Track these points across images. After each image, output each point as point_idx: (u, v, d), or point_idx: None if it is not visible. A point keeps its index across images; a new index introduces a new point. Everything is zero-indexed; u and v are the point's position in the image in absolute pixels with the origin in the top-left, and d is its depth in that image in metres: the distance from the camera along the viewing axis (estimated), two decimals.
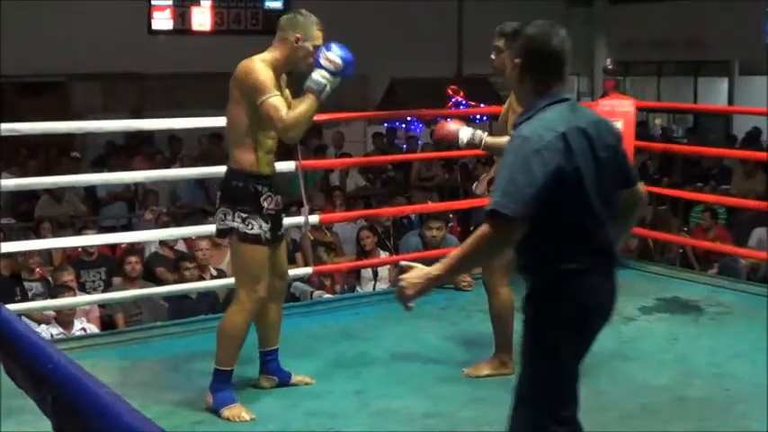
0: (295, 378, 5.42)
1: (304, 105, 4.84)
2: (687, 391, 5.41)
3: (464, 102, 17.77)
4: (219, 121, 5.47)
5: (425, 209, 9.92)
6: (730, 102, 21.64)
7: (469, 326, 6.55)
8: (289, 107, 4.88)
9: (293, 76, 5.13)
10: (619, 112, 7.90)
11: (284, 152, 5.18)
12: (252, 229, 4.93)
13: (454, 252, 3.47)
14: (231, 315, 5.02)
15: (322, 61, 4.85)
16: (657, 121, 22.57)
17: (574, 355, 3.53)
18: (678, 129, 22.79)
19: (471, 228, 8.54)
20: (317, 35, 4.95)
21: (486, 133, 5.46)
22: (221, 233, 5.07)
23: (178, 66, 17.44)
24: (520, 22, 5.20)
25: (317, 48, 4.92)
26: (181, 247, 10.11)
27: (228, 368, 5.02)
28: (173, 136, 15.20)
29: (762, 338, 6.27)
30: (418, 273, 3.42)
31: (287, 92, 5.10)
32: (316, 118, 5.14)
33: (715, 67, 22.23)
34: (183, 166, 12.90)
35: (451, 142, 5.54)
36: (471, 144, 5.46)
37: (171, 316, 8.03)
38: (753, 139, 17.70)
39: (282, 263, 5.31)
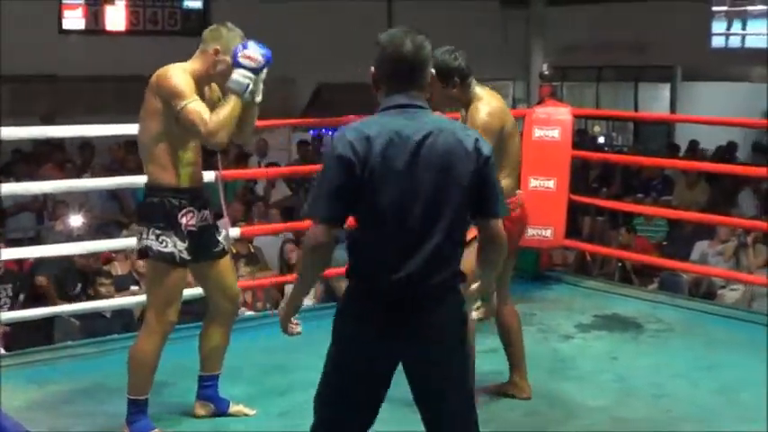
0: (233, 408, 5.33)
1: (227, 107, 4.76)
2: (627, 412, 5.46)
3: None
4: (137, 128, 5.38)
5: (353, 222, 9.86)
6: (672, 109, 21.85)
7: None
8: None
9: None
10: (555, 120, 7.97)
11: (204, 161, 5.10)
12: (165, 247, 4.82)
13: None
14: (140, 341, 4.95)
15: (240, 59, 4.77)
16: (597, 129, 22.76)
17: (340, 374, 3.55)
18: (618, 137, 23.00)
19: None
20: None
21: None
22: (140, 254, 4.97)
23: (91, 68, 17.26)
24: (448, 48, 5.23)
25: None
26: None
27: (142, 397, 4.95)
28: (84, 143, 15.04)
29: (703, 357, 6.37)
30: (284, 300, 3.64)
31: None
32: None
33: (657, 73, 22.43)
34: (94, 175, 12.77)
35: None
36: None
37: (82, 335, 7.96)
38: (696, 148, 17.91)
39: (230, 283, 5.20)
